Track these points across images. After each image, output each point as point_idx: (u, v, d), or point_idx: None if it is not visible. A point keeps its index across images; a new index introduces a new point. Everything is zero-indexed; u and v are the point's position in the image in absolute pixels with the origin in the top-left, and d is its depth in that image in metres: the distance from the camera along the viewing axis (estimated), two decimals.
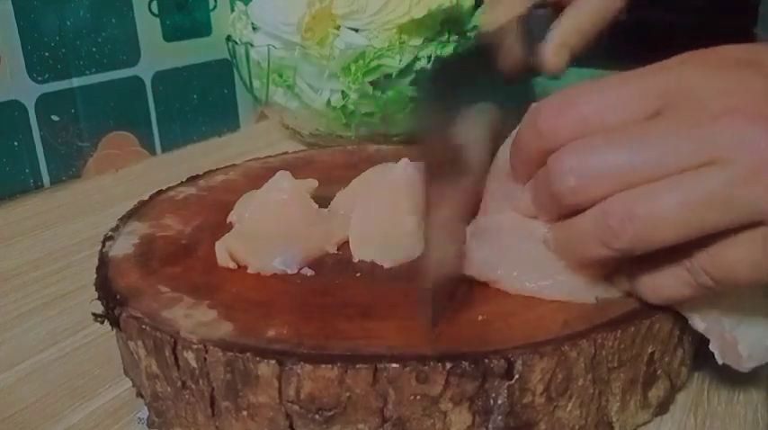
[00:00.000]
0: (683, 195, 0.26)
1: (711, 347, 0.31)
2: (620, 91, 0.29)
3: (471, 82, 0.37)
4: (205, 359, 0.29)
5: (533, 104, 0.31)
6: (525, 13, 0.46)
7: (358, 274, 0.35)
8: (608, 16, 0.48)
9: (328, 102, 0.64)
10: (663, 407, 0.33)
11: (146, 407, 0.33)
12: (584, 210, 0.29)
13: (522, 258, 0.33)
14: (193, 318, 0.31)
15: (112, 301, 0.32)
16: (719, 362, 0.31)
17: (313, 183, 0.41)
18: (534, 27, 0.46)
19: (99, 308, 0.33)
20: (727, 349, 0.30)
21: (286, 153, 0.54)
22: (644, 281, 0.30)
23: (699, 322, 0.31)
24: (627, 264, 0.31)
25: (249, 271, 0.35)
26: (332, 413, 0.28)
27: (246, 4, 0.70)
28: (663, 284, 0.29)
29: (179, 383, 0.30)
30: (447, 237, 0.33)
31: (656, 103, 0.28)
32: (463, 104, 0.35)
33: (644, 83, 0.29)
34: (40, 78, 0.62)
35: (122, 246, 0.38)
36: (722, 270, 0.27)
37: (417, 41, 0.62)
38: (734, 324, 0.30)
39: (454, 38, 0.63)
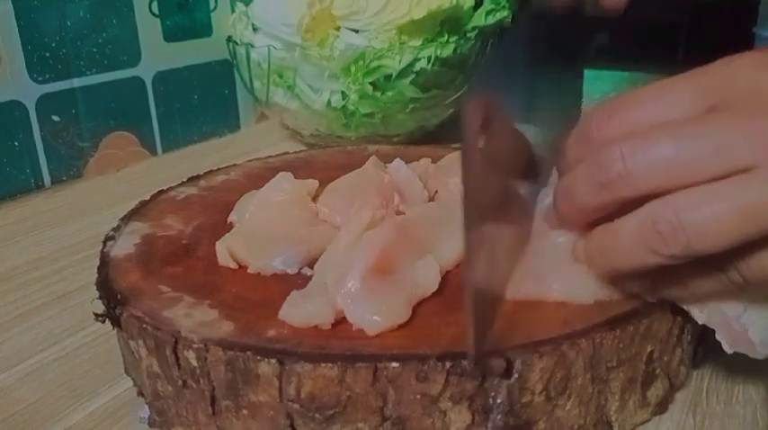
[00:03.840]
0: (737, 202, 0.25)
1: (718, 337, 0.30)
2: (673, 93, 0.27)
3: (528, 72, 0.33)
4: (206, 358, 0.29)
5: (583, 115, 0.29)
6: None
7: None
8: None
9: (328, 102, 0.64)
10: (662, 407, 0.33)
11: (147, 407, 0.33)
12: (617, 215, 0.28)
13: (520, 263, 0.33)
14: (194, 318, 0.31)
15: (113, 301, 0.33)
16: (729, 351, 0.29)
17: (314, 183, 0.41)
18: None
19: (99, 307, 0.34)
20: (736, 337, 0.29)
21: (286, 153, 0.55)
22: (671, 276, 0.29)
23: (698, 313, 0.30)
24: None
25: (249, 271, 0.35)
26: (332, 412, 0.28)
27: (247, 4, 0.70)
28: (692, 280, 0.28)
29: (180, 382, 0.30)
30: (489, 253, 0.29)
31: (711, 100, 0.27)
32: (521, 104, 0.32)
33: (696, 83, 0.27)
34: (40, 78, 0.62)
35: (123, 246, 0.38)
36: (758, 272, 0.26)
37: (417, 42, 0.62)
38: (738, 311, 0.29)
39: (454, 38, 0.63)
